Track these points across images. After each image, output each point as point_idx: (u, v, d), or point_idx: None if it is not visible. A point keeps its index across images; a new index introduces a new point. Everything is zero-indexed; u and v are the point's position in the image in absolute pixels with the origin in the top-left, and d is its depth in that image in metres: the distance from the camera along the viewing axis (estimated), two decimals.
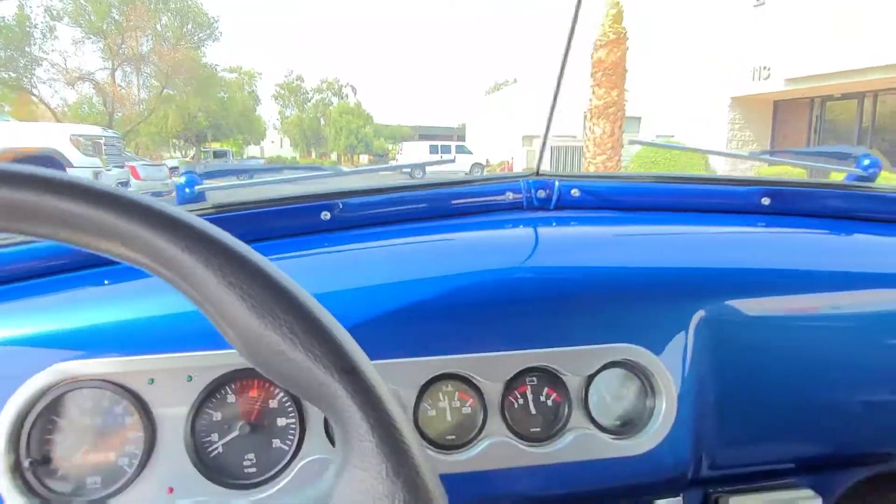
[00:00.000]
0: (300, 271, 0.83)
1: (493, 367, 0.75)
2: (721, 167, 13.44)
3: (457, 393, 0.76)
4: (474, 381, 0.75)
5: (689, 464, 0.79)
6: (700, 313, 0.80)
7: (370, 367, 0.34)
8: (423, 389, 0.75)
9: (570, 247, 0.91)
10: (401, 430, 0.33)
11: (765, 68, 13.27)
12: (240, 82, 33.30)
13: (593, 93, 11.29)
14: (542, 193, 1.01)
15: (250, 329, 0.33)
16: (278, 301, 0.33)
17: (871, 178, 1.02)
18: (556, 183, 1.02)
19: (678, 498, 0.83)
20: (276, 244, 0.88)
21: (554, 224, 0.98)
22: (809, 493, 0.84)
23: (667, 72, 14.73)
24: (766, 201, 1.00)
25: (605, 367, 0.78)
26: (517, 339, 0.77)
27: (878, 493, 0.97)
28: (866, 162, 1.01)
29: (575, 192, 1.01)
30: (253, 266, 0.34)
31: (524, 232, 0.95)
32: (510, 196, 1.01)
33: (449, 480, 0.74)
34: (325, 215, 0.92)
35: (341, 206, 0.92)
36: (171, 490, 0.69)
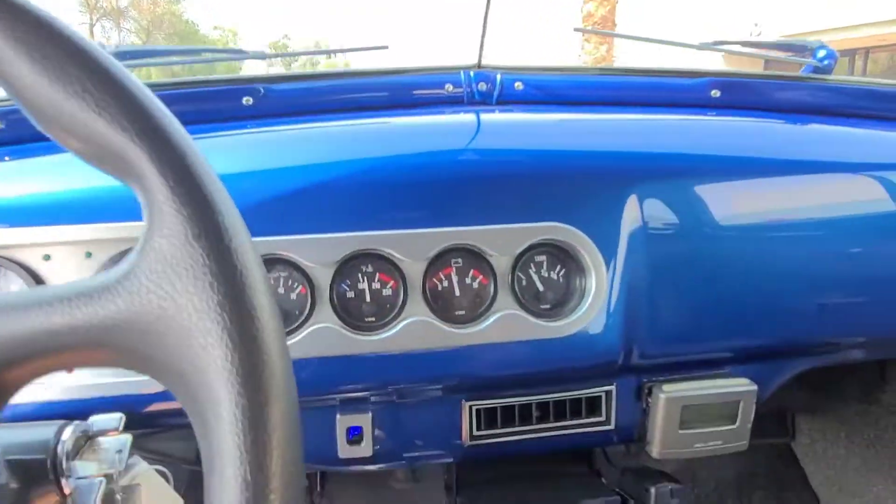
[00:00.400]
0: (215, 150, 0.78)
1: (414, 244, 0.72)
2: None
3: (377, 274, 0.73)
4: (394, 260, 0.72)
5: (619, 350, 0.77)
6: (634, 196, 0.76)
7: (177, 128, 0.31)
8: (342, 269, 0.71)
9: (505, 131, 0.87)
10: (206, 195, 0.29)
11: (756, 25, 13.04)
12: (224, 40, 32.39)
13: (582, 48, 11.01)
14: (483, 86, 0.96)
15: (40, 89, 0.29)
16: (70, 56, 0.29)
17: (828, 70, 0.97)
18: (499, 76, 0.97)
19: (612, 386, 0.81)
20: (193, 128, 0.83)
21: (496, 112, 0.93)
22: (745, 381, 0.82)
23: (657, 26, 14.46)
24: (715, 93, 0.95)
25: (533, 248, 0.75)
26: (441, 217, 0.73)
27: (818, 386, 0.95)
28: (822, 53, 0.97)
29: (518, 86, 0.97)
30: (42, 21, 0.29)
31: (458, 118, 0.90)
32: (450, 88, 0.96)
33: (369, 361, 0.72)
34: (248, 100, 0.86)
35: (263, 91, 0.87)
36: (70, 369, 0.66)
